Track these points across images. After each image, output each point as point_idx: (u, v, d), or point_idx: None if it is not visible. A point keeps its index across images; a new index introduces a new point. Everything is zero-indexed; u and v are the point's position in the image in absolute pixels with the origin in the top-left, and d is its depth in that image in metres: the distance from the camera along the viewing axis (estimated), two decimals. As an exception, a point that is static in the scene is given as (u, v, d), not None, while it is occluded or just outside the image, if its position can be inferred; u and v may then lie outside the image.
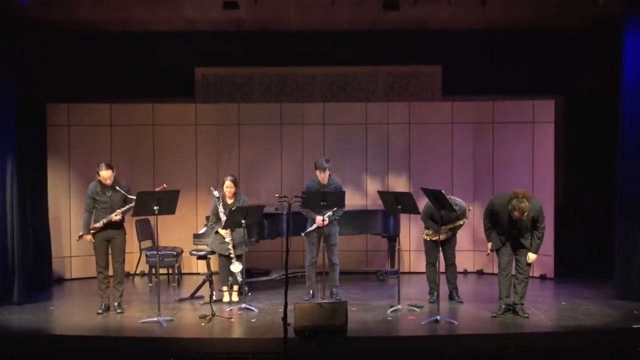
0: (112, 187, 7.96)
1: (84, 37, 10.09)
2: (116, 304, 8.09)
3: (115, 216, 7.95)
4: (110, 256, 8.11)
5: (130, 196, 7.94)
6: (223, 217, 8.31)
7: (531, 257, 7.67)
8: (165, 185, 8.14)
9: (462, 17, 9.44)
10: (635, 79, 8.37)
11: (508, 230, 7.64)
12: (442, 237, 8.26)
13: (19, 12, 8.55)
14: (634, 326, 7.25)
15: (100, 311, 8.01)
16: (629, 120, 8.43)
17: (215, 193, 8.45)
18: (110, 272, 8.16)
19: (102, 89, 10.37)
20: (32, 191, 9.15)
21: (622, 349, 6.78)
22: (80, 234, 8.10)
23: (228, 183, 8.50)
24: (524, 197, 7.34)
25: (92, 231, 7.98)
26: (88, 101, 10.28)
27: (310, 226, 8.36)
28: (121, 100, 10.38)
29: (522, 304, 7.77)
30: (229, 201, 8.51)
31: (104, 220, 7.94)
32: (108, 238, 8.02)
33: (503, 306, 7.79)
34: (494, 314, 7.79)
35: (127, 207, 7.98)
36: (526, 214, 7.37)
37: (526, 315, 7.71)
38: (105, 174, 7.88)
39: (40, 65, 9.42)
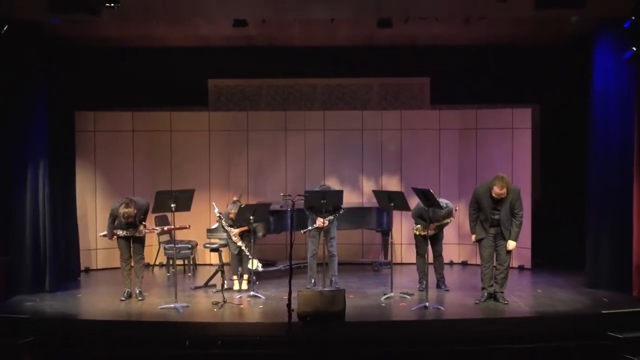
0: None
1: (108, 52, 10.08)
2: (138, 291, 8.10)
3: (139, 234, 7.99)
4: (132, 250, 8.11)
5: (147, 229, 8.01)
6: (229, 228, 8.36)
7: (510, 244, 7.60)
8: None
9: (449, 33, 9.43)
10: (604, 89, 8.35)
11: (490, 215, 7.59)
12: (431, 232, 8.28)
13: (50, 29, 8.54)
14: (603, 312, 7.25)
15: (123, 298, 8.02)
16: (598, 126, 8.41)
17: (217, 211, 8.42)
18: (132, 263, 8.17)
19: (125, 99, 10.37)
20: (61, 191, 9.14)
21: (592, 333, 6.79)
22: (104, 233, 8.12)
23: (232, 216, 8.39)
24: (503, 177, 7.37)
25: (114, 236, 8.02)
26: (112, 109, 10.29)
27: (311, 226, 8.38)
28: (142, 108, 10.40)
29: (502, 292, 7.76)
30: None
31: (127, 233, 7.96)
32: (130, 237, 8.02)
33: (485, 294, 7.79)
34: (477, 301, 7.79)
35: (148, 230, 8.06)
36: (505, 189, 7.35)
37: (506, 302, 7.70)
38: (125, 213, 7.73)
39: (69, 78, 9.41)
